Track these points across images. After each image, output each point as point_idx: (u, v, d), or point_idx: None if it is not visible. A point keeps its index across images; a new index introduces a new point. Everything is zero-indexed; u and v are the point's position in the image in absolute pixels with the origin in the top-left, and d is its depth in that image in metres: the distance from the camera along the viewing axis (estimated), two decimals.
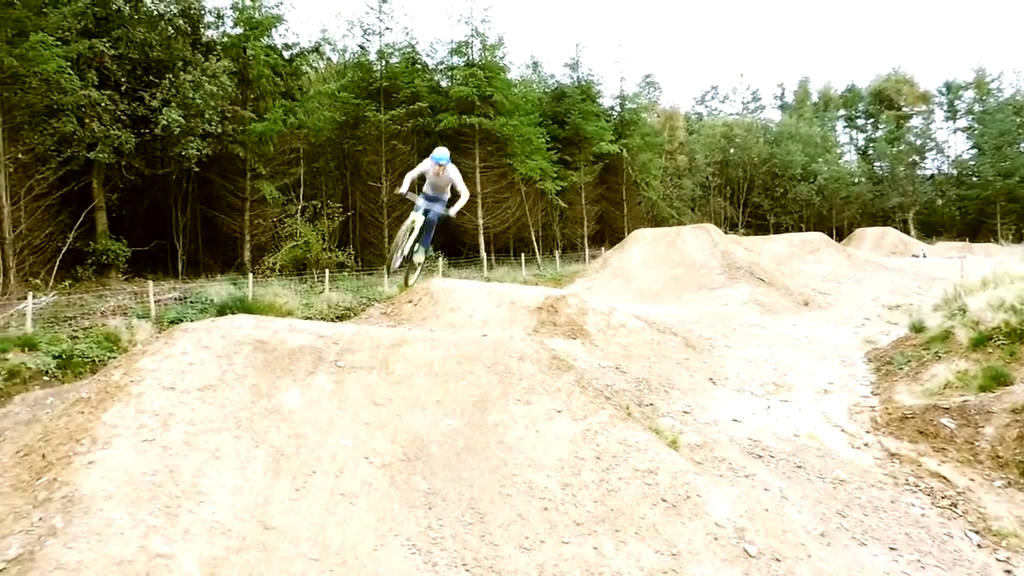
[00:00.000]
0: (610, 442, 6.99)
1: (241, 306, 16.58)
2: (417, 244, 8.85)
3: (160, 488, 5.42)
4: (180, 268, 26.13)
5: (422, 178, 8.72)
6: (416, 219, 8.54)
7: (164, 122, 21.65)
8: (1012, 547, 5.81)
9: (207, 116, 23.25)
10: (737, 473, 6.99)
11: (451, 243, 34.60)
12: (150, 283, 18.07)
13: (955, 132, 65.31)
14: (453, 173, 8.48)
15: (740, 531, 5.75)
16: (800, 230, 43.45)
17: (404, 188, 8.39)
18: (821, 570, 5.39)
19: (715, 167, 57.26)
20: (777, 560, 5.46)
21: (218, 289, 19.18)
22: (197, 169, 24.35)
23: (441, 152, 8.38)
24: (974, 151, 60.65)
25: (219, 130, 24.07)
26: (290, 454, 6.22)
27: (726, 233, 30.81)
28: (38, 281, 18.79)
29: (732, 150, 58.76)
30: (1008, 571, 5.52)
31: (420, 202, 8.52)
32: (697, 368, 10.95)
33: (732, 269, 20.79)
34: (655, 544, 5.59)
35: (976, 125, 60.68)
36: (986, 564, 5.61)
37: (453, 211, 8.59)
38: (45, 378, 12.29)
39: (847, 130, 72.26)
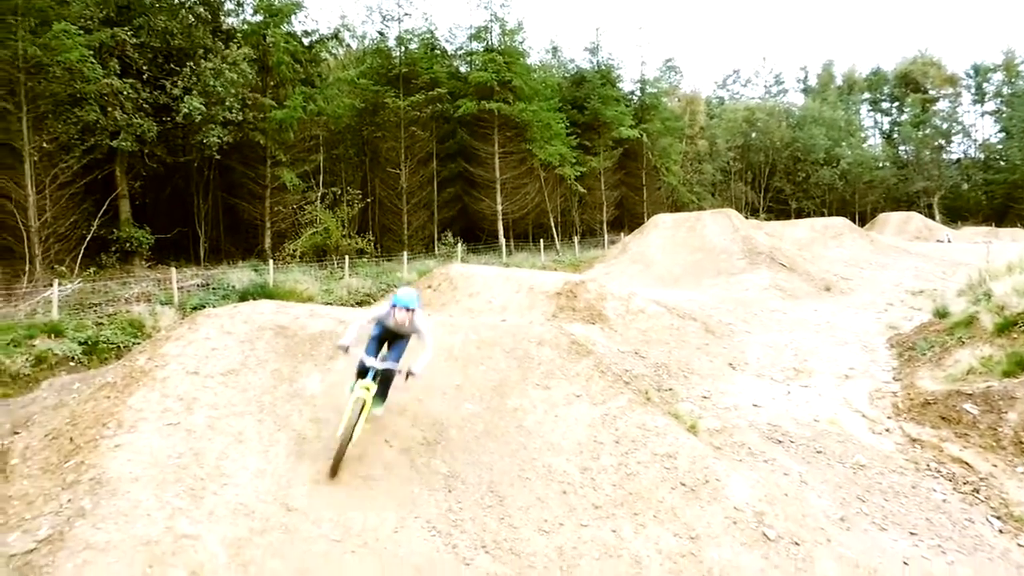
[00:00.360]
0: (629, 426, 7.01)
1: (262, 292, 16.77)
2: (374, 403, 6.37)
3: (185, 471, 5.52)
4: (202, 255, 26.42)
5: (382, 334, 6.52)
6: (367, 390, 6.07)
7: (185, 110, 21.83)
8: None
9: (228, 103, 23.40)
10: (757, 458, 6.97)
11: (470, 229, 34.67)
12: (173, 270, 18.29)
13: (983, 115, 64.11)
14: (421, 321, 6.35)
15: (759, 515, 5.74)
16: (822, 215, 43.01)
17: (347, 339, 6.20)
18: (840, 554, 5.38)
19: (736, 152, 56.66)
20: (796, 544, 5.45)
21: (240, 276, 19.39)
22: (218, 157, 24.56)
23: (408, 294, 6.24)
24: (1002, 135, 59.50)
25: (240, 117, 24.21)
26: (312, 438, 6.30)
27: (747, 218, 30.54)
28: (63, 268, 19.07)
29: (754, 134, 58.10)
30: None
31: (371, 361, 6.17)
32: (717, 353, 10.91)
33: (753, 254, 20.63)
34: (674, 527, 5.60)
35: (1005, 108, 59.47)
36: (1008, 549, 5.57)
37: (419, 368, 6.06)
38: (71, 364, 12.53)
39: (871, 114, 71.17)
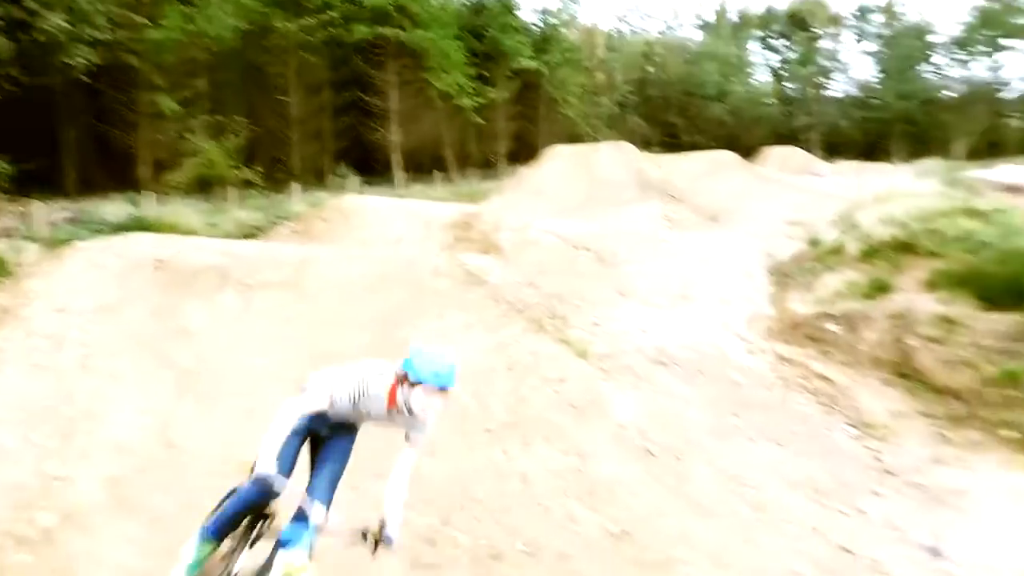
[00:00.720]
0: (522, 353, 7.17)
1: (140, 226, 15.72)
2: None
3: (55, 411, 5.25)
4: (71, 187, 24.52)
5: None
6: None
7: (45, 27, 19.80)
8: (881, 437, 6.40)
9: (95, 21, 21.38)
10: (642, 379, 7.30)
11: (365, 160, 33.68)
12: (36, 203, 16.93)
13: (862, 55, 67.21)
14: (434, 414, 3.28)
15: (642, 432, 6.07)
16: (712, 149, 44.36)
17: (268, 459, 2.93)
18: (714, 465, 5.79)
19: (633, 85, 57.24)
20: (675, 458, 5.82)
21: (114, 209, 18.14)
22: (87, 80, 22.55)
23: (451, 363, 3.17)
24: (878, 74, 62.76)
25: (110, 37, 22.22)
26: (196, 374, 6.11)
27: (641, 151, 31.15)
28: None
29: (651, 68, 58.76)
30: (877, 458, 6.09)
31: (317, 513, 3.06)
32: (608, 282, 11.22)
33: (645, 186, 21.20)
34: (562, 446, 5.84)
35: (884, 49, 62.55)
36: (858, 453, 6.16)
37: (396, 522, 3.18)
38: None
39: (763, 51, 73.22)
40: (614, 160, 23.82)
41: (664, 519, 5.06)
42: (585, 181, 23.06)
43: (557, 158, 25.88)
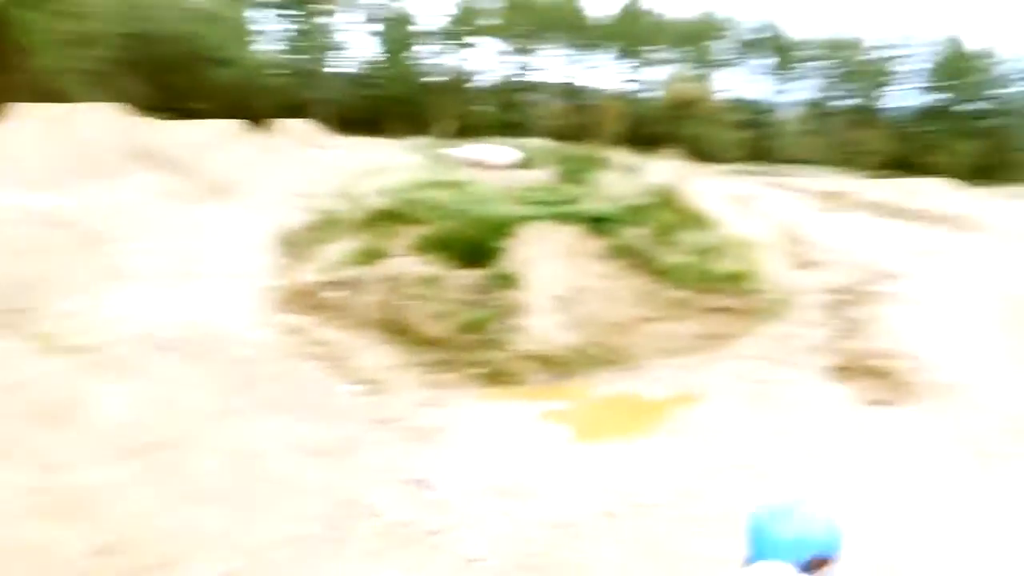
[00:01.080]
0: None
1: None
2: None
3: None
4: None
5: None
6: None
7: None
8: (379, 391, 7.03)
9: None
10: (134, 370, 6.63)
11: None
12: None
13: (368, 36, 71.70)
14: None
15: (134, 428, 5.52)
16: (221, 117, 42.56)
17: None
18: (218, 446, 5.58)
19: (128, 41, 51.10)
20: (173, 448, 5.43)
21: None
22: None
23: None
24: (380, 56, 67.92)
25: None
26: None
27: (139, 116, 28.13)
28: None
29: (148, 24, 53.19)
30: (374, 410, 6.68)
31: None
32: (94, 263, 9.87)
33: (141, 156, 19.18)
34: (29, 461, 4.95)
35: (382, 32, 67.73)
36: (359, 409, 6.67)
37: None
38: None
39: (276, 20, 72.43)
40: (102, 124, 20.94)
41: (160, 518, 4.69)
42: (64, 148, 19.75)
43: (26, 119, 21.62)
